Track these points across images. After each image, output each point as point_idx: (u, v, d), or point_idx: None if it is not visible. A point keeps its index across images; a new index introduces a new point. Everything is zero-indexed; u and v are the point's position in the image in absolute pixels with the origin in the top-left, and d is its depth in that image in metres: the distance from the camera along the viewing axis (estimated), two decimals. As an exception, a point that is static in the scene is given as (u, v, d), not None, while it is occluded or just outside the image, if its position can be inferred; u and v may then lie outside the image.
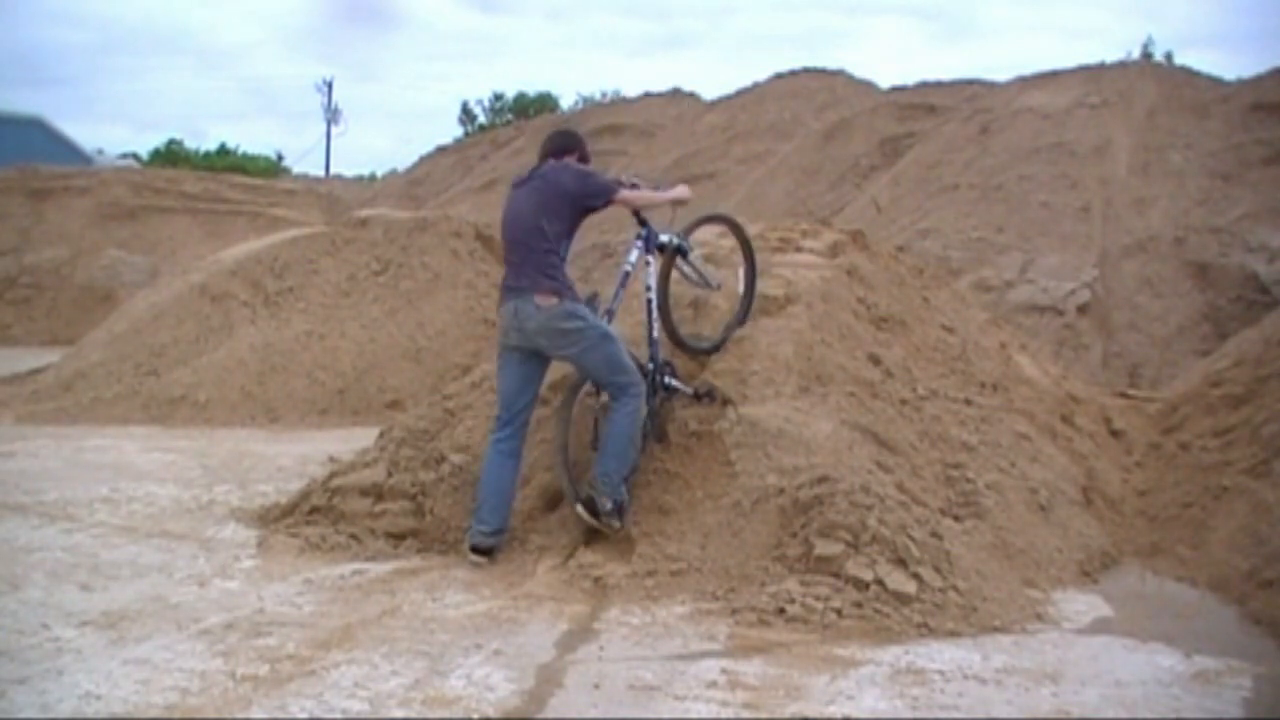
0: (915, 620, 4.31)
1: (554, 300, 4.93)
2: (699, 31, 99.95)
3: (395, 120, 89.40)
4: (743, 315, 5.84)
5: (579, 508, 4.90)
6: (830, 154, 18.22)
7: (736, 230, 5.97)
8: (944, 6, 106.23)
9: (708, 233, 6.33)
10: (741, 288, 5.89)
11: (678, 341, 5.53)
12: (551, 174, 5.14)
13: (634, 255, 5.44)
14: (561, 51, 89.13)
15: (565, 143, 5.35)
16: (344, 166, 46.23)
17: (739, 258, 5.95)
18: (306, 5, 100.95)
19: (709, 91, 25.72)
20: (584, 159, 5.32)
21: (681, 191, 5.53)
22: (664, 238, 5.48)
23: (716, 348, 5.65)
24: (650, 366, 5.26)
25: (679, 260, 5.53)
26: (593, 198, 5.12)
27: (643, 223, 5.45)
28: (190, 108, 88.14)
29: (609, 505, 4.85)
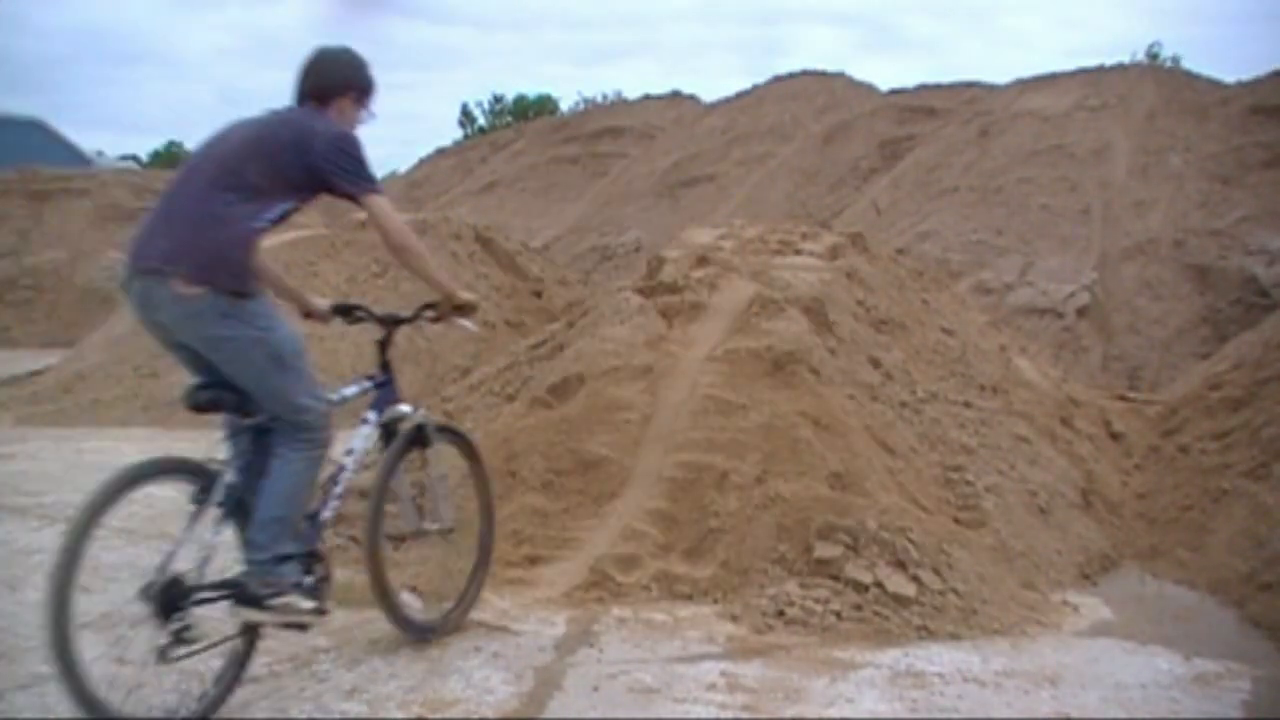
0: (915, 623, 4.31)
1: (202, 290, 3.20)
2: (630, 43, 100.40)
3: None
4: (478, 580, 4.22)
5: (234, 606, 3.36)
6: (830, 156, 18.22)
7: (472, 452, 4.27)
8: (867, 14, 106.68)
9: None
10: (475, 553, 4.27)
11: (381, 587, 3.81)
12: (302, 119, 3.48)
13: (365, 429, 3.87)
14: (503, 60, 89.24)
15: (339, 75, 3.59)
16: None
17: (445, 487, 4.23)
18: (278, 14, 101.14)
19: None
20: (361, 100, 3.63)
21: (468, 296, 3.82)
22: (404, 408, 3.94)
23: (428, 634, 3.96)
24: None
25: (417, 454, 4.02)
26: (341, 178, 3.39)
27: (385, 365, 3.92)
28: (172, 113, 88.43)
29: (261, 586, 3.33)
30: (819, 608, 4.35)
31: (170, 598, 3.15)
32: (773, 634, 4.22)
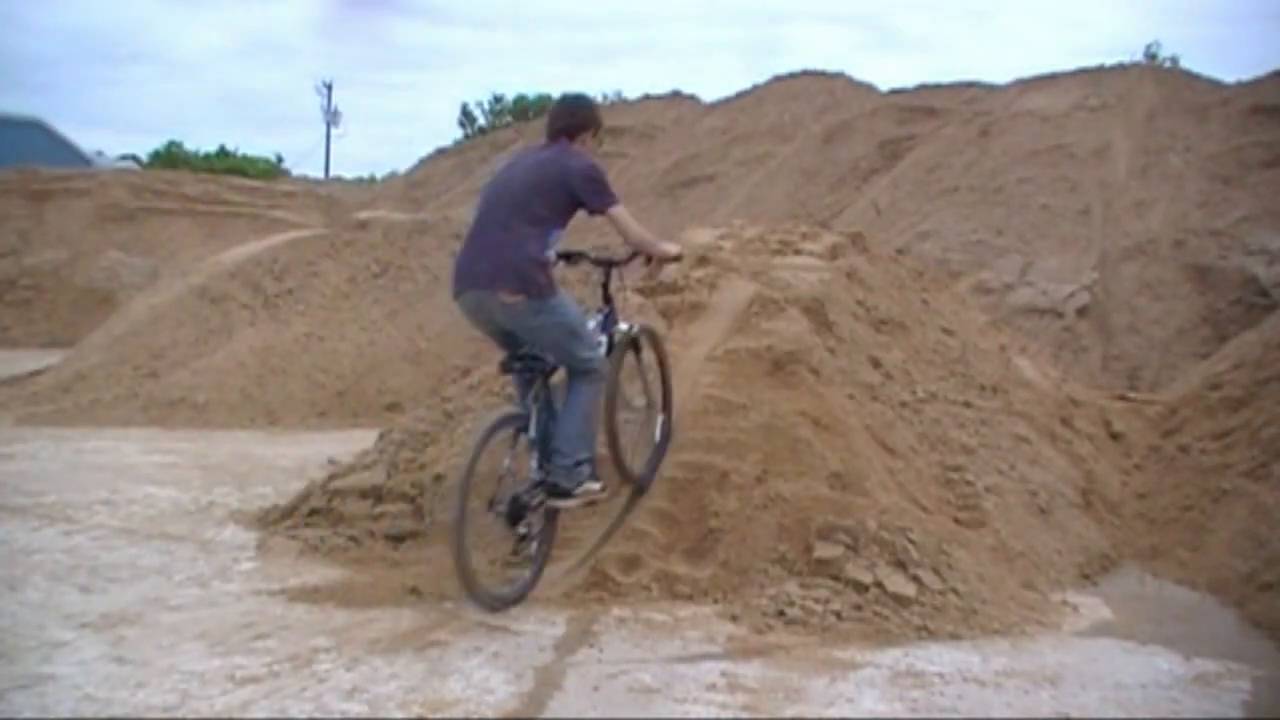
0: (915, 623, 4.31)
1: (522, 300, 4.44)
2: (630, 42, 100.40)
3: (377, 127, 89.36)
4: (662, 447, 5.12)
5: (549, 500, 4.54)
6: (830, 156, 18.22)
7: (658, 344, 5.21)
8: (867, 14, 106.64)
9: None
10: (660, 412, 5.15)
11: (615, 450, 4.84)
12: (562, 156, 4.65)
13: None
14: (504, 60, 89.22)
15: (579, 117, 4.78)
16: (312, 169, 46.14)
17: (654, 375, 5.15)
18: (278, 14, 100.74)
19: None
20: (597, 134, 4.83)
21: (675, 249, 5.09)
22: (623, 325, 4.91)
23: (641, 487, 4.98)
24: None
25: (631, 356, 4.95)
26: (592, 201, 4.57)
27: (607, 299, 4.93)
28: (172, 113, 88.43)
29: (569, 483, 4.52)
30: (819, 608, 4.35)
31: (514, 511, 4.40)
32: (773, 634, 4.22)
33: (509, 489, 4.40)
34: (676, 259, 5.18)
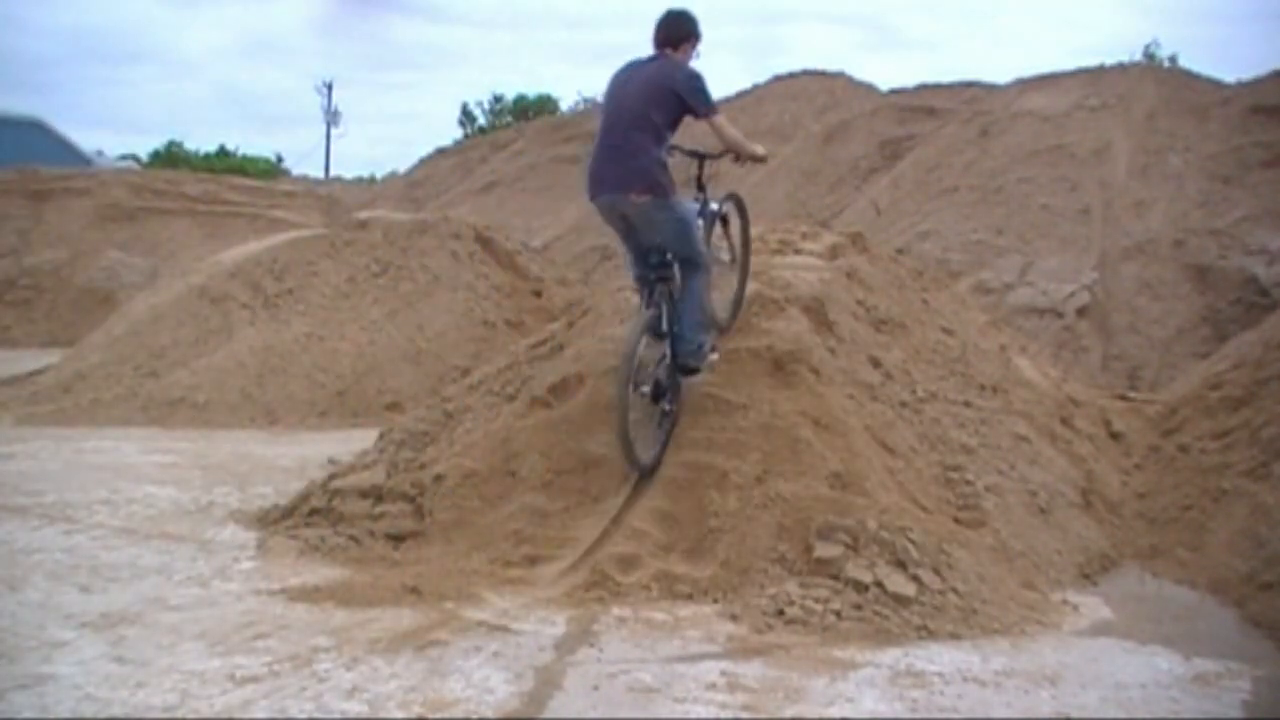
0: (915, 622, 4.31)
1: (648, 198, 5.19)
2: (630, 43, 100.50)
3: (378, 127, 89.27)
4: (740, 296, 5.92)
5: (682, 377, 5.35)
6: (830, 156, 18.21)
7: (742, 209, 6.09)
8: (867, 14, 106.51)
9: None
10: (737, 270, 6.00)
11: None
12: (668, 67, 5.31)
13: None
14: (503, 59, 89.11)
15: (682, 28, 5.43)
16: (312, 168, 46.06)
17: (738, 237, 6.03)
18: (278, 13, 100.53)
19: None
20: (696, 45, 5.45)
21: (762, 150, 5.67)
22: (713, 205, 5.70)
23: (725, 329, 5.75)
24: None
25: (720, 228, 5.80)
26: (696, 105, 5.24)
27: (701, 187, 5.66)
28: (172, 113, 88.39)
29: (696, 362, 5.34)
30: (819, 607, 4.35)
31: (657, 391, 5.26)
32: (773, 634, 4.22)
33: (650, 374, 5.21)
34: (763, 160, 5.72)
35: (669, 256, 5.39)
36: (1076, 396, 7.36)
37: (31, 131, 18.13)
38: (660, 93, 5.22)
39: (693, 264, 5.36)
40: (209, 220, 16.19)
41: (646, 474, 5.19)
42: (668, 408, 5.33)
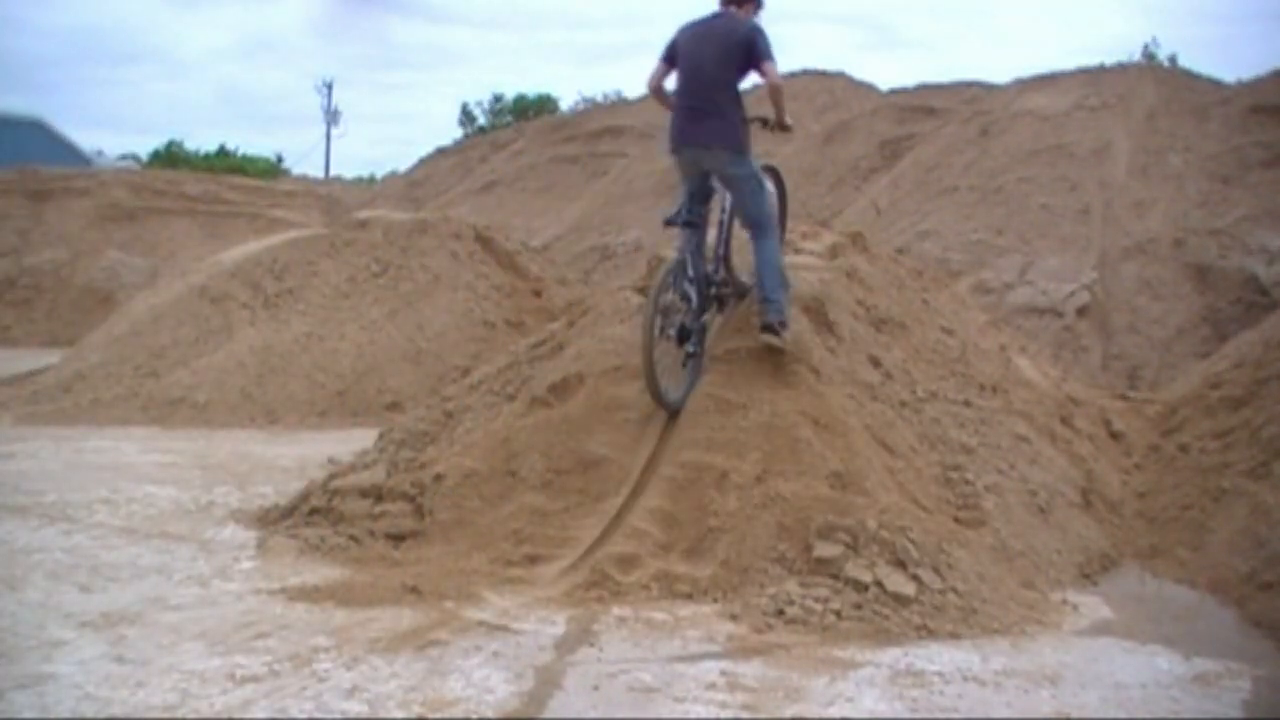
0: (914, 622, 4.31)
1: (728, 154, 5.50)
2: (630, 42, 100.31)
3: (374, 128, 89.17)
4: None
5: (762, 335, 5.48)
6: (830, 156, 18.21)
7: (780, 181, 6.33)
8: (867, 14, 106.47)
9: None
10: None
11: (728, 268, 5.94)
12: (734, 24, 5.60)
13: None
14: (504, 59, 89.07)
15: None
16: (312, 168, 46.02)
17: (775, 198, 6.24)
18: (278, 13, 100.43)
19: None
20: (760, 3, 5.74)
21: (790, 122, 5.94)
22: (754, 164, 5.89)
23: (745, 294, 5.96)
24: (717, 278, 5.79)
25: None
26: (759, 57, 5.48)
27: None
28: (172, 113, 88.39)
29: (777, 323, 5.47)
30: (819, 607, 4.35)
31: (683, 333, 5.46)
32: (773, 633, 4.22)
33: (677, 318, 5.43)
34: (789, 130, 5.95)
35: (706, 210, 5.70)
36: (1076, 396, 7.36)
37: (31, 131, 18.16)
38: (731, 50, 5.49)
39: (761, 227, 5.61)
40: (209, 220, 16.21)
41: (673, 412, 5.39)
42: (692, 349, 5.52)
